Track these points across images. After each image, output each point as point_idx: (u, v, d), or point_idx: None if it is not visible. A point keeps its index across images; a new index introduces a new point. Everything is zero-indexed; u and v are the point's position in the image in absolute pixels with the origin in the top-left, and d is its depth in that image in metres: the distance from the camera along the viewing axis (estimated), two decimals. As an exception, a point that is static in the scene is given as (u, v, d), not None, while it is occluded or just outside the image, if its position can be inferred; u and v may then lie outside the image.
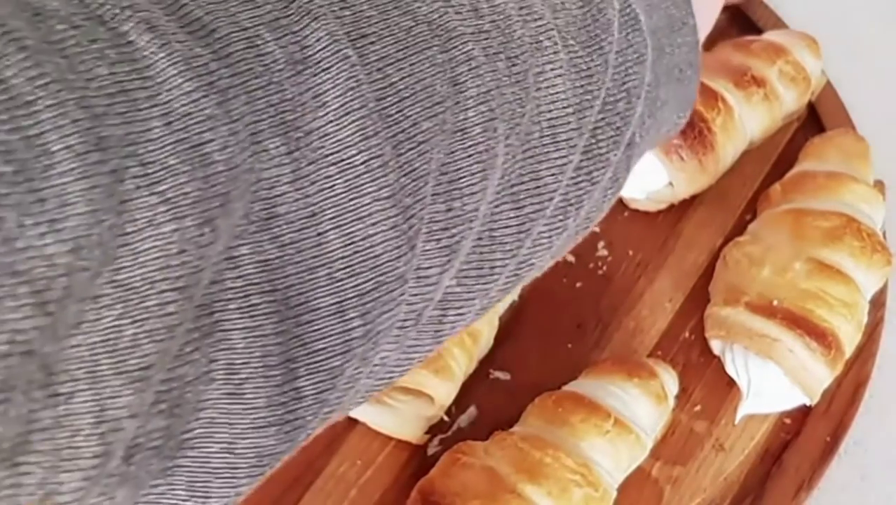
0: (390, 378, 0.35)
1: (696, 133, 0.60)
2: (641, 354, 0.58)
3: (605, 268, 0.61)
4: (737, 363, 0.56)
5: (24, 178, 0.22)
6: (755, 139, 0.64)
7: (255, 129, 0.27)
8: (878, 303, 0.59)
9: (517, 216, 0.36)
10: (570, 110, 0.36)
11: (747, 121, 0.63)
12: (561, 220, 0.38)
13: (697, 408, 0.56)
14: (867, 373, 0.57)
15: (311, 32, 0.29)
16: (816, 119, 0.67)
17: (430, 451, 0.55)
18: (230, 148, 0.26)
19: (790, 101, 0.64)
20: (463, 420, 0.56)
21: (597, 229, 0.62)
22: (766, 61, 0.64)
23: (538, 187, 0.36)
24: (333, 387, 0.31)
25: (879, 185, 0.61)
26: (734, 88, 0.62)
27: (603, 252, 0.61)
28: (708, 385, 0.57)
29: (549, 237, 0.38)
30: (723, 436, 0.56)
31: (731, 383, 0.57)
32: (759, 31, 0.69)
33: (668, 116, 0.44)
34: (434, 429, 0.55)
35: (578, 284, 0.60)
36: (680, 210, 0.63)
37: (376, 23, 0.31)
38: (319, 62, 0.29)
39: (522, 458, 0.50)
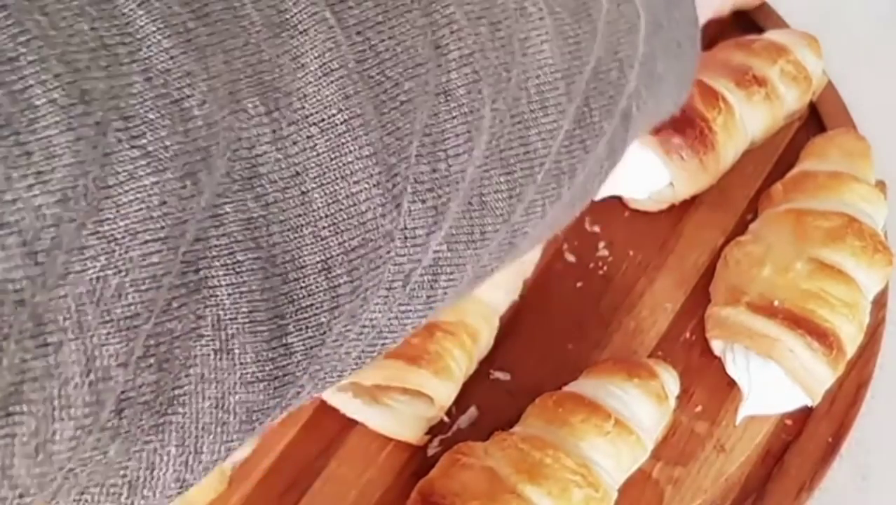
0: (383, 344, 0.35)
1: (697, 132, 0.60)
2: (642, 354, 0.58)
3: (605, 268, 0.61)
4: (738, 364, 0.56)
5: (9, 132, 0.23)
6: (756, 139, 0.64)
7: (234, 88, 0.28)
8: (879, 303, 0.58)
9: (507, 181, 0.36)
10: (558, 76, 0.37)
11: (748, 120, 0.62)
12: (554, 189, 0.38)
13: (698, 408, 0.56)
14: (869, 373, 0.57)
15: None
16: (818, 119, 0.67)
17: (431, 451, 0.54)
18: (209, 104, 0.27)
19: (791, 100, 0.64)
20: (463, 421, 0.56)
21: (597, 229, 0.62)
22: (768, 61, 0.64)
23: (528, 152, 0.36)
24: (322, 343, 0.31)
25: (881, 185, 0.61)
26: (735, 88, 0.62)
27: (603, 252, 0.61)
28: (709, 386, 0.57)
29: (543, 205, 0.38)
30: (724, 437, 0.55)
31: (732, 384, 0.57)
32: (760, 31, 0.69)
33: (667, 91, 0.44)
34: (434, 429, 0.55)
35: (578, 284, 0.60)
36: (681, 210, 0.63)
37: None
38: (296, 25, 0.29)
39: (522, 458, 0.50)
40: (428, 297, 0.36)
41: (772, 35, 0.67)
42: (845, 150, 0.61)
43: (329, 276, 0.31)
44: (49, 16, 0.24)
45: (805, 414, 0.56)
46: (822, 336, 0.54)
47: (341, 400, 0.55)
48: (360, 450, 0.54)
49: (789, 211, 0.58)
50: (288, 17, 0.29)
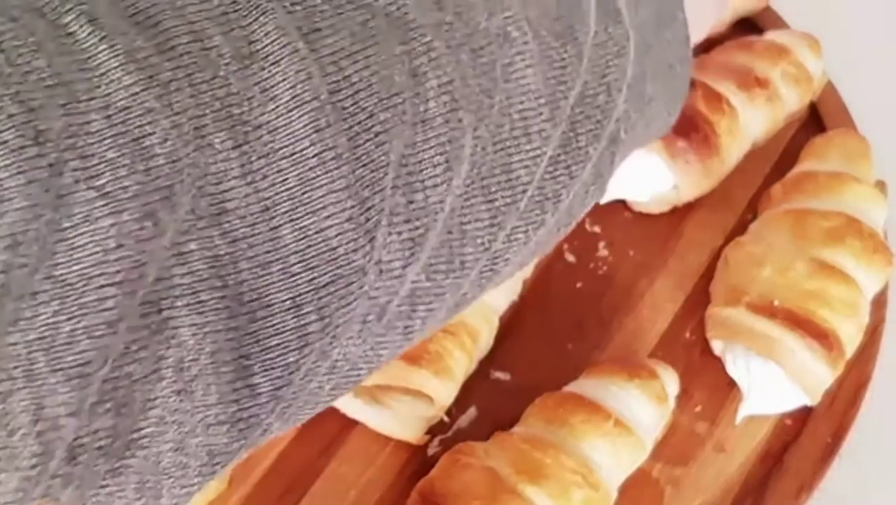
0: (358, 375, 0.35)
1: (701, 136, 0.60)
2: (642, 354, 0.58)
3: (605, 268, 0.61)
4: (738, 364, 0.56)
5: None
6: (758, 140, 0.64)
7: (199, 123, 0.27)
8: (879, 303, 0.58)
9: (488, 209, 0.35)
10: (542, 101, 0.36)
11: (751, 122, 0.62)
12: (538, 215, 0.37)
13: (698, 409, 0.56)
14: (868, 373, 0.57)
15: (260, 27, 0.29)
16: (818, 119, 0.67)
17: (431, 451, 0.54)
18: (171, 141, 0.26)
19: (793, 101, 0.64)
20: (463, 420, 0.55)
21: (598, 230, 0.62)
22: (769, 62, 0.64)
23: (510, 180, 0.36)
24: (290, 383, 0.31)
25: (881, 186, 0.61)
26: (737, 90, 0.62)
27: (604, 252, 0.61)
28: (709, 386, 0.57)
29: (526, 232, 0.37)
30: (724, 437, 0.55)
31: (732, 384, 0.57)
32: (760, 31, 0.69)
33: (656, 112, 0.44)
34: (434, 429, 0.55)
35: (578, 284, 0.60)
36: (681, 210, 0.63)
37: (330, 17, 0.30)
38: (267, 56, 0.29)
39: (523, 458, 0.50)
40: (405, 327, 0.35)
41: (772, 36, 0.67)
42: (845, 151, 0.61)
43: (298, 314, 0.30)
44: (5, 52, 0.24)
45: (805, 414, 0.56)
46: (821, 336, 0.54)
47: (341, 400, 0.55)
48: (360, 450, 0.54)
49: (789, 211, 0.58)
50: (258, 48, 0.28)
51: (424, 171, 0.32)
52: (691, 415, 0.56)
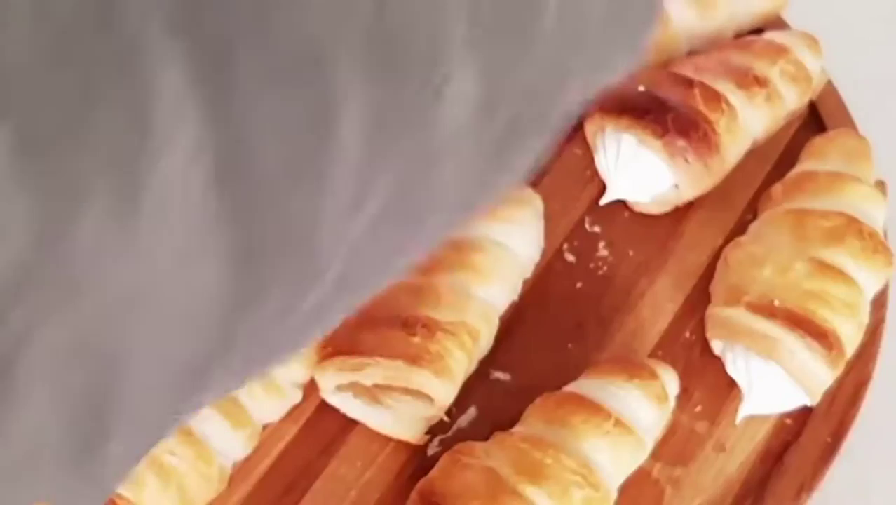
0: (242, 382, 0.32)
1: (700, 135, 0.60)
2: (642, 354, 0.58)
3: (605, 268, 0.61)
4: (738, 364, 0.56)
5: None
6: (758, 139, 0.64)
7: (69, 209, 0.22)
8: (879, 303, 0.58)
9: (398, 239, 0.32)
10: (478, 116, 0.30)
11: (750, 121, 0.62)
12: (447, 226, 0.34)
13: (698, 408, 0.56)
14: (868, 373, 0.57)
15: (162, 81, 0.23)
16: (818, 119, 0.67)
17: (431, 451, 0.54)
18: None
19: (792, 99, 0.64)
20: (463, 420, 0.56)
21: (598, 230, 0.62)
22: (768, 61, 0.64)
23: (421, 212, 0.32)
24: (149, 446, 0.28)
25: (881, 186, 0.61)
26: (736, 89, 0.62)
27: (603, 252, 0.61)
28: (709, 386, 0.57)
29: (434, 236, 0.34)
30: (724, 436, 0.55)
31: (732, 384, 0.57)
32: (759, 31, 0.69)
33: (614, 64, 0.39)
34: (434, 429, 0.55)
35: (578, 284, 0.60)
36: (681, 210, 0.63)
37: (249, 47, 0.25)
38: (163, 127, 0.23)
39: (523, 458, 0.50)
40: (296, 344, 0.32)
41: (771, 35, 0.67)
42: (845, 150, 0.61)
43: (161, 398, 0.27)
44: None
45: (805, 414, 0.56)
46: (821, 336, 0.54)
47: (341, 400, 0.55)
48: (360, 450, 0.54)
49: (789, 211, 0.58)
50: (153, 115, 0.23)
51: (325, 228, 0.28)
52: (691, 415, 0.56)
